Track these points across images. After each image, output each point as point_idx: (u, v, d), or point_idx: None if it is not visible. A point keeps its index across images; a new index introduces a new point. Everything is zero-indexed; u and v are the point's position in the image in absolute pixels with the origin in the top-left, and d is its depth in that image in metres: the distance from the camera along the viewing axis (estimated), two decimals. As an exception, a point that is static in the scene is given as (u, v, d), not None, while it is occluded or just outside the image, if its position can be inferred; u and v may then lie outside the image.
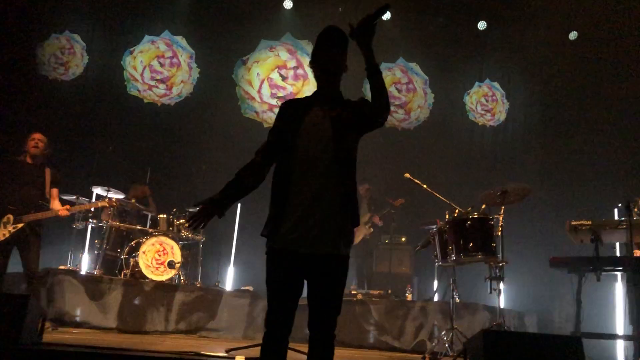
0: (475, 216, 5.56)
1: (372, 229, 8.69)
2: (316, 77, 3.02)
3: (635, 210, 5.80)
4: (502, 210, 5.66)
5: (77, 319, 6.11)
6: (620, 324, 6.33)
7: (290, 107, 3.05)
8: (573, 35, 9.20)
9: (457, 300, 6.10)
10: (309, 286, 2.88)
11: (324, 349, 2.83)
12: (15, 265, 5.71)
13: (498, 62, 9.72)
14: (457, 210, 5.92)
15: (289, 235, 2.80)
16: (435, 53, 9.40)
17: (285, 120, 3.00)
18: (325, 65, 2.97)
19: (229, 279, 7.90)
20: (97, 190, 7.47)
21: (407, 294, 7.92)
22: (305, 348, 2.87)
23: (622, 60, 8.30)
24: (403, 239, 8.90)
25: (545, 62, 9.28)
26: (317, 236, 2.78)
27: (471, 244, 5.43)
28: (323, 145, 2.86)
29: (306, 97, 3.09)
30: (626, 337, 5.97)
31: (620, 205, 6.02)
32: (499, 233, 5.53)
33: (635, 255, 5.61)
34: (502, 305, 5.46)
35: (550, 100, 9.11)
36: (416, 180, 6.30)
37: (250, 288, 7.13)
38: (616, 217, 6.35)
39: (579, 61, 8.92)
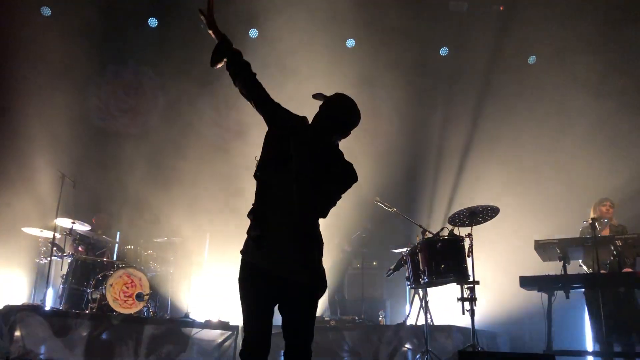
0: (446, 237, 5.62)
1: (341, 255, 8.66)
2: (325, 128, 3.02)
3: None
4: (471, 231, 5.73)
5: (42, 356, 5.88)
6: (590, 340, 6.42)
7: (300, 132, 3.00)
8: (532, 59, 9.47)
9: (431, 322, 6.12)
10: (281, 314, 2.92)
11: None
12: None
13: (461, 87, 9.90)
14: (426, 233, 5.97)
15: (264, 256, 2.85)
16: (400, 79, 9.53)
17: (289, 141, 2.95)
18: (342, 135, 3.08)
19: (199, 310, 7.75)
20: (62, 223, 7.29)
21: (380, 318, 7.90)
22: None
23: (585, 79, 8.52)
24: (374, 263, 8.91)
25: (506, 85, 9.51)
26: (290, 266, 2.83)
27: (443, 266, 5.48)
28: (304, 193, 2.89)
29: (310, 130, 3.04)
30: (595, 353, 6.06)
31: (585, 222, 6.16)
32: (469, 253, 5.59)
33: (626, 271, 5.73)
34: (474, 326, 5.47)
35: (512, 120, 9.29)
36: (386, 205, 6.35)
37: (221, 319, 7.01)
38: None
39: (539, 83, 9.16)
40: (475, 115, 9.82)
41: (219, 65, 3.12)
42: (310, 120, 3.06)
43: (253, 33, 9.38)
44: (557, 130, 8.79)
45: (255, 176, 2.97)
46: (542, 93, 9.10)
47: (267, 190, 2.93)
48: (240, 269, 2.93)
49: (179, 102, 9.49)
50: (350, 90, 3.23)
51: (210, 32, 3.12)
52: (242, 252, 2.95)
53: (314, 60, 8.36)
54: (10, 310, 6.07)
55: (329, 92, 3.08)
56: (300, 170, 2.84)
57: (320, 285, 2.92)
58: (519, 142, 9.00)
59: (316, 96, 3.05)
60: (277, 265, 2.82)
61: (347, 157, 3.17)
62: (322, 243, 3.00)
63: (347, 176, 3.02)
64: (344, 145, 3.16)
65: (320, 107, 3.04)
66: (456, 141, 9.59)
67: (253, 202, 2.97)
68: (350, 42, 9.58)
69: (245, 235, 2.98)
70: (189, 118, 9.15)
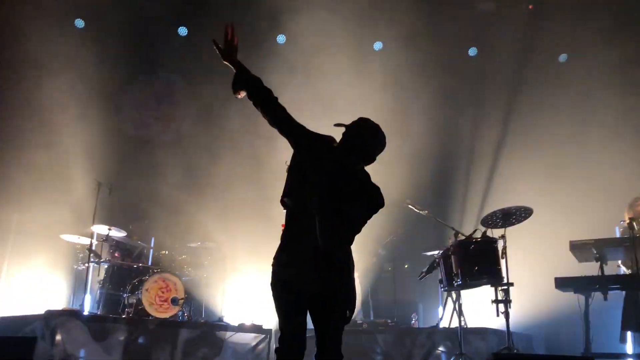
0: (479, 239, 5.57)
1: (374, 258, 8.66)
2: (345, 150, 3.00)
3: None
4: (505, 232, 5.67)
5: (82, 360, 6.04)
6: (629, 342, 6.26)
7: (315, 149, 3.04)
8: (563, 57, 9.34)
9: (464, 325, 6.06)
10: (312, 319, 3.03)
11: None
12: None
13: (491, 86, 9.79)
14: (459, 235, 5.93)
15: (286, 271, 2.98)
16: (429, 80, 9.48)
17: (311, 160, 2.99)
18: (365, 159, 3.04)
19: (233, 314, 7.83)
20: (98, 229, 7.45)
21: (412, 321, 7.87)
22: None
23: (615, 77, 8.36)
24: (406, 266, 8.87)
25: (537, 84, 9.38)
26: (303, 277, 2.94)
27: (476, 268, 5.43)
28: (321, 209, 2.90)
29: (334, 151, 3.04)
30: (636, 356, 5.92)
31: (622, 222, 6.03)
32: (503, 255, 5.53)
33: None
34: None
35: (543, 120, 9.16)
36: (417, 207, 6.33)
37: (255, 322, 7.08)
38: (617, 235, 6.34)
39: (570, 82, 9.01)
40: (506, 115, 9.71)
41: (242, 95, 3.16)
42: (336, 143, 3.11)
43: (281, 39, 9.43)
44: (590, 128, 8.62)
45: (282, 202, 3.05)
46: (574, 91, 8.95)
47: (291, 213, 3.03)
48: (271, 274, 3.05)
49: (210, 109, 9.58)
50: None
51: (226, 62, 3.17)
52: (272, 264, 3.07)
53: (341, 63, 8.37)
54: (51, 315, 6.22)
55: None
56: (314, 186, 2.86)
57: (334, 296, 2.96)
58: (552, 141, 8.86)
59: (338, 125, 3.06)
60: (295, 277, 2.93)
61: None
62: (348, 266, 3.03)
63: (369, 199, 3.00)
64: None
65: (343, 132, 3.07)
66: (487, 142, 9.49)
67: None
68: (378, 45, 9.59)
69: (277, 242, 3.09)
70: (220, 124, 9.25)
